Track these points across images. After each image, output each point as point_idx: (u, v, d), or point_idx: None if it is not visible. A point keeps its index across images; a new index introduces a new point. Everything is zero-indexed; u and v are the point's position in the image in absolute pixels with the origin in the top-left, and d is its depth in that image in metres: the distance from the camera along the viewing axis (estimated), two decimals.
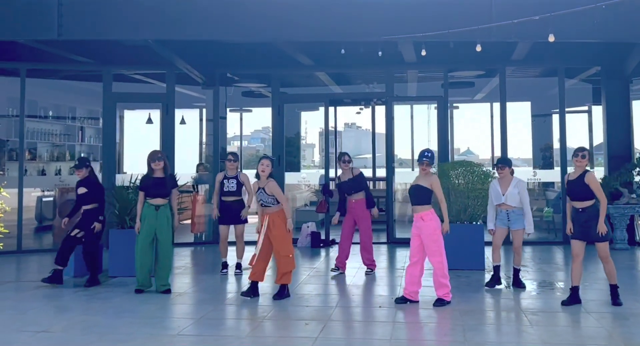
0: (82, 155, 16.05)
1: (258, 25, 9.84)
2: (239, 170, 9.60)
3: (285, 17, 9.83)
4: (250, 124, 34.70)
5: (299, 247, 12.14)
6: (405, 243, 11.22)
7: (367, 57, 11.41)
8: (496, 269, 8.44)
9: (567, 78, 12.85)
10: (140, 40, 10.36)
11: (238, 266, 9.50)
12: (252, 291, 7.80)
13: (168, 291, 8.12)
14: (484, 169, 10.00)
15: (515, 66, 12.67)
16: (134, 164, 15.23)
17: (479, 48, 8.43)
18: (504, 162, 8.52)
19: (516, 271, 8.44)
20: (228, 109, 18.16)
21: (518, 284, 8.34)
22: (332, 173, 13.65)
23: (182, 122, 17.18)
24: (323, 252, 11.76)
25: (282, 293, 7.74)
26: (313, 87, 15.02)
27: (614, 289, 7.36)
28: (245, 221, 9.49)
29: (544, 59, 12.37)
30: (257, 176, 7.84)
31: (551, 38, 7.41)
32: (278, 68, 12.78)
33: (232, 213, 9.41)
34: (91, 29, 9.89)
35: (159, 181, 8.24)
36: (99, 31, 9.92)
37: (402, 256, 11.05)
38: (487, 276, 8.82)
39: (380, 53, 9.80)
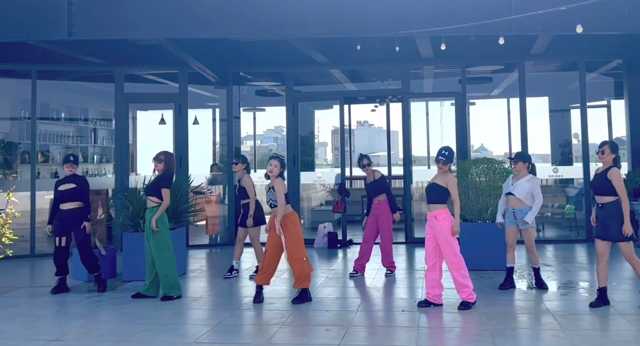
0: (96, 156, 15.96)
1: (271, 22, 9.59)
2: (245, 172, 9.20)
3: (298, 13, 9.56)
4: (264, 124, 34.48)
5: (315, 248, 11.93)
6: (423, 242, 10.97)
7: (382, 54, 11.15)
8: (509, 270, 8.18)
9: (586, 72, 12.53)
10: (152, 39, 10.17)
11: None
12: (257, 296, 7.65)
13: (165, 298, 7.80)
14: (506, 166, 9.71)
15: (534, 60, 12.37)
16: (147, 166, 15.08)
17: (502, 41, 8.16)
18: (516, 158, 8.25)
19: (536, 271, 8.18)
20: (242, 109, 18.01)
21: (540, 285, 8.09)
22: (347, 172, 13.41)
23: (195, 122, 17.02)
24: (340, 253, 11.52)
25: (302, 296, 7.52)
26: (327, 85, 14.78)
27: None
28: (253, 225, 9.04)
29: (564, 52, 12.06)
30: (267, 176, 7.63)
31: (579, 29, 7.09)
32: (292, 66, 12.55)
33: (242, 216, 9.13)
34: (102, 29, 9.68)
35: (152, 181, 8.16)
36: (109, 31, 9.71)
37: (421, 256, 10.63)
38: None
39: (397, 48, 9.52)
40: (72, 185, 8.46)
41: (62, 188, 8.47)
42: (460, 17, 9.02)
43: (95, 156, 16.15)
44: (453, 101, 12.71)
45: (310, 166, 17.65)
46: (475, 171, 9.79)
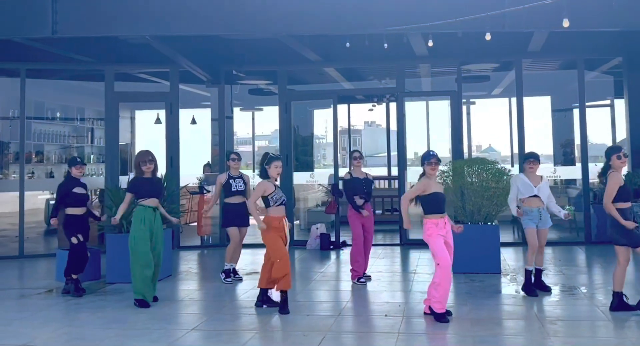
0: (92, 156, 15.81)
1: (257, 19, 9.36)
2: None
3: (287, 10, 9.35)
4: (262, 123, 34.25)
5: (308, 249, 11.72)
6: (418, 244, 10.74)
7: (376, 52, 10.88)
8: (539, 273, 7.91)
9: (587, 70, 12.25)
10: (138, 37, 9.98)
11: (235, 271, 9.07)
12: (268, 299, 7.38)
13: (155, 298, 7.63)
14: (499, 166, 9.43)
15: (531, 58, 12.07)
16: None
17: (488, 37, 7.92)
18: (537, 157, 8.04)
19: (540, 273, 7.92)
20: (239, 108, 17.78)
21: (544, 287, 7.82)
22: (342, 172, 13.14)
23: (193, 122, 16.84)
24: (333, 255, 11.30)
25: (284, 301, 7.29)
26: (322, 84, 14.52)
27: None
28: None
29: (562, 50, 11.76)
30: (265, 176, 7.25)
31: (566, 23, 6.85)
32: (285, 64, 12.31)
33: (243, 214, 8.78)
34: (87, 26, 9.48)
35: (153, 181, 7.78)
36: (95, 28, 9.50)
37: (415, 258, 10.56)
38: (504, 280, 8.42)
39: (386, 45, 9.28)
40: (84, 190, 8.30)
41: (79, 191, 8.21)
42: (452, 14, 8.78)
43: (92, 156, 16.02)
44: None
45: (309, 167, 17.42)
46: (468, 172, 9.52)
